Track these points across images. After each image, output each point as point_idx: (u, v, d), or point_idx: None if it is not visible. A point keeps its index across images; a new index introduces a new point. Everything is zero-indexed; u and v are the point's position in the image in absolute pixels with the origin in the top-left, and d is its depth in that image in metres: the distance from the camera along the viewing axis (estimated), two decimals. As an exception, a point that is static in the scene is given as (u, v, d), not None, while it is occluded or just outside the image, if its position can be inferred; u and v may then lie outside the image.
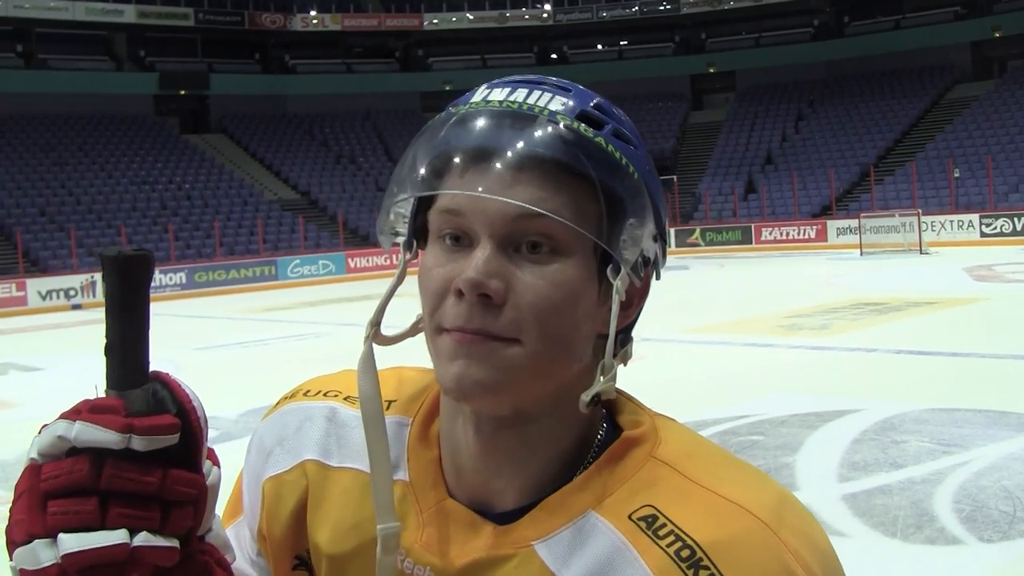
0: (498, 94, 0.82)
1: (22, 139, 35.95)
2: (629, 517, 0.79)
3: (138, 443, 0.69)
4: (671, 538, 0.77)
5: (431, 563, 0.84)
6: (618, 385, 0.84)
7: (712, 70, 46.68)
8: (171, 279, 27.91)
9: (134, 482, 0.69)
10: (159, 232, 31.80)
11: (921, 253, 26.70)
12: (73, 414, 0.70)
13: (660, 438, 0.84)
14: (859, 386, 8.74)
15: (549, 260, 0.78)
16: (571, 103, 0.81)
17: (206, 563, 0.75)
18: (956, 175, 32.11)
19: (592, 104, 0.82)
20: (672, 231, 36.07)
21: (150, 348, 0.73)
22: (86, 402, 0.71)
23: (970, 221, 29.59)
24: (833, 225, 32.66)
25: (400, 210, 0.87)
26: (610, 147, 0.80)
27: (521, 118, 0.79)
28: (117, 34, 41.81)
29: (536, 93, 0.81)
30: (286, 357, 12.77)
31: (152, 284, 0.73)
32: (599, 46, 48.38)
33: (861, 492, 5.58)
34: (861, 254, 27.84)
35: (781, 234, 33.68)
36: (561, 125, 0.79)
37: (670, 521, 0.78)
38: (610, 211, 0.79)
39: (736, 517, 0.77)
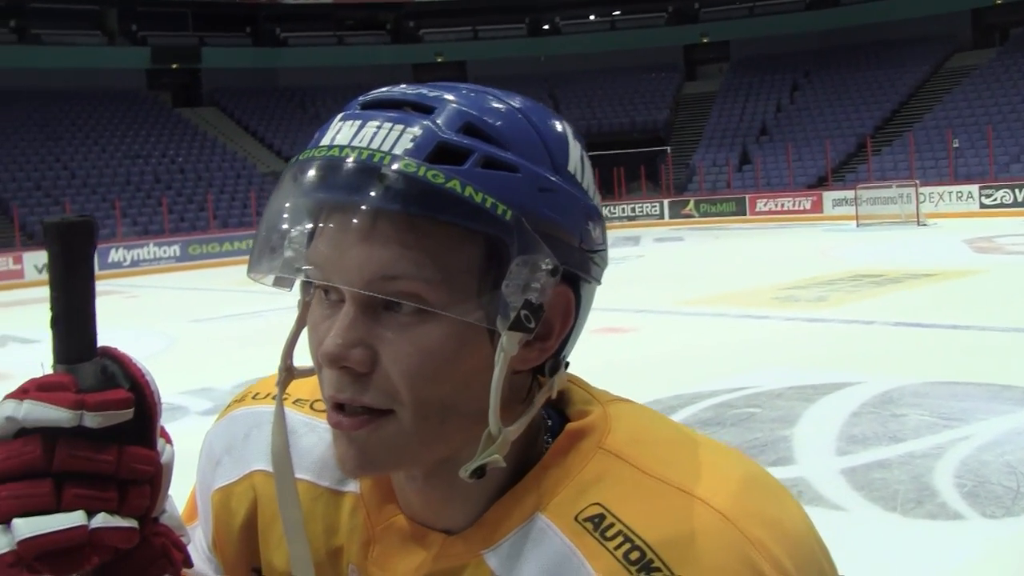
0: (346, 133, 0.71)
1: (17, 114, 35.82)
2: (575, 518, 0.73)
3: (91, 420, 0.65)
4: (619, 539, 0.71)
5: None
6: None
7: (706, 40, 46.31)
8: (165, 252, 27.94)
9: (89, 461, 0.65)
10: (153, 205, 31.83)
11: (919, 225, 26.62)
12: (20, 393, 0.66)
13: (610, 426, 0.77)
14: (857, 359, 8.67)
15: (418, 322, 0.70)
16: (424, 137, 0.70)
17: (163, 544, 0.72)
18: (955, 145, 31.94)
19: (459, 127, 0.71)
20: (666, 202, 36.04)
21: (97, 321, 0.69)
22: (33, 380, 0.67)
23: (969, 192, 29.34)
24: (829, 196, 32.51)
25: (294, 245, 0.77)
26: (468, 191, 0.68)
27: (363, 172, 0.69)
28: (109, 9, 41.57)
29: (386, 128, 0.70)
30: (280, 329, 12.57)
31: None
32: (591, 16, 47.97)
33: (860, 466, 5.53)
34: (857, 225, 27.71)
35: (776, 205, 33.54)
36: (404, 175, 0.68)
37: (618, 520, 0.72)
38: (489, 252, 0.70)
39: (691, 510, 0.71)
